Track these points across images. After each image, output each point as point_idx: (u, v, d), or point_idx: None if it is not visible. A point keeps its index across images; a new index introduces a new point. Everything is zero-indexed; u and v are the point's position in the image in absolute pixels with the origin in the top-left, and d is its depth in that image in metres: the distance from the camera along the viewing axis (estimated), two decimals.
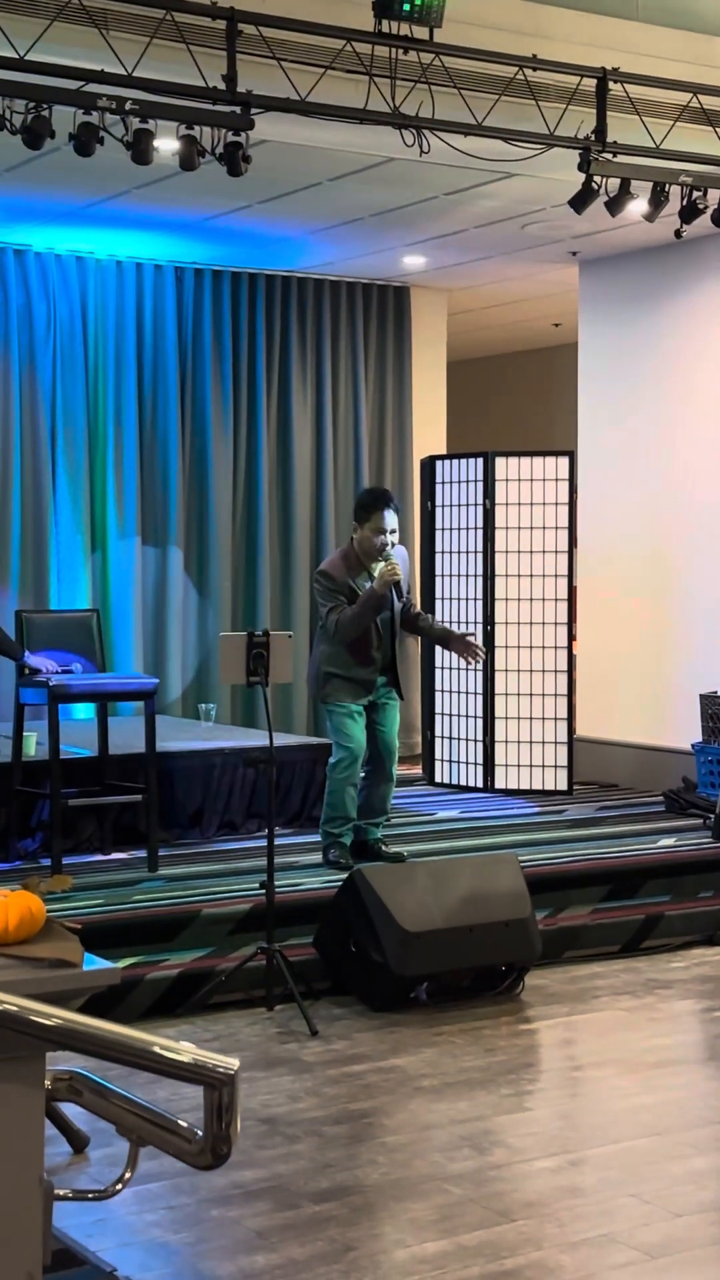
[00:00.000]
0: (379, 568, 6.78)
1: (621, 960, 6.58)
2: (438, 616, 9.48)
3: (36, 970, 2.75)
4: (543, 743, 9.18)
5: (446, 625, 7.00)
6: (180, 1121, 2.47)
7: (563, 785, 9.14)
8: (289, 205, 8.37)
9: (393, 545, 6.86)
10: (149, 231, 9.08)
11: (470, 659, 7.06)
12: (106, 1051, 2.34)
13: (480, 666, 6.87)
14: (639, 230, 8.42)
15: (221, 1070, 2.34)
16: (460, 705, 9.39)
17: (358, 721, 6.87)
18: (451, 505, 9.40)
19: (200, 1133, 2.40)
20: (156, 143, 6.04)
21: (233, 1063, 2.36)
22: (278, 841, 6.62)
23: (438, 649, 9.46)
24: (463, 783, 9.37)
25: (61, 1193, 2.65)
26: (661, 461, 9.45)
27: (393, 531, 6.85)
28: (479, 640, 6.90)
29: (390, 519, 6.86)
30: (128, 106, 5.87)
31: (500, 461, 9.21)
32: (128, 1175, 2.60)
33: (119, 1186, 2.61)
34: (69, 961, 2.76)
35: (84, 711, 8.83)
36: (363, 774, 7.01)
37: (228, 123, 6.09)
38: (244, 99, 6.07)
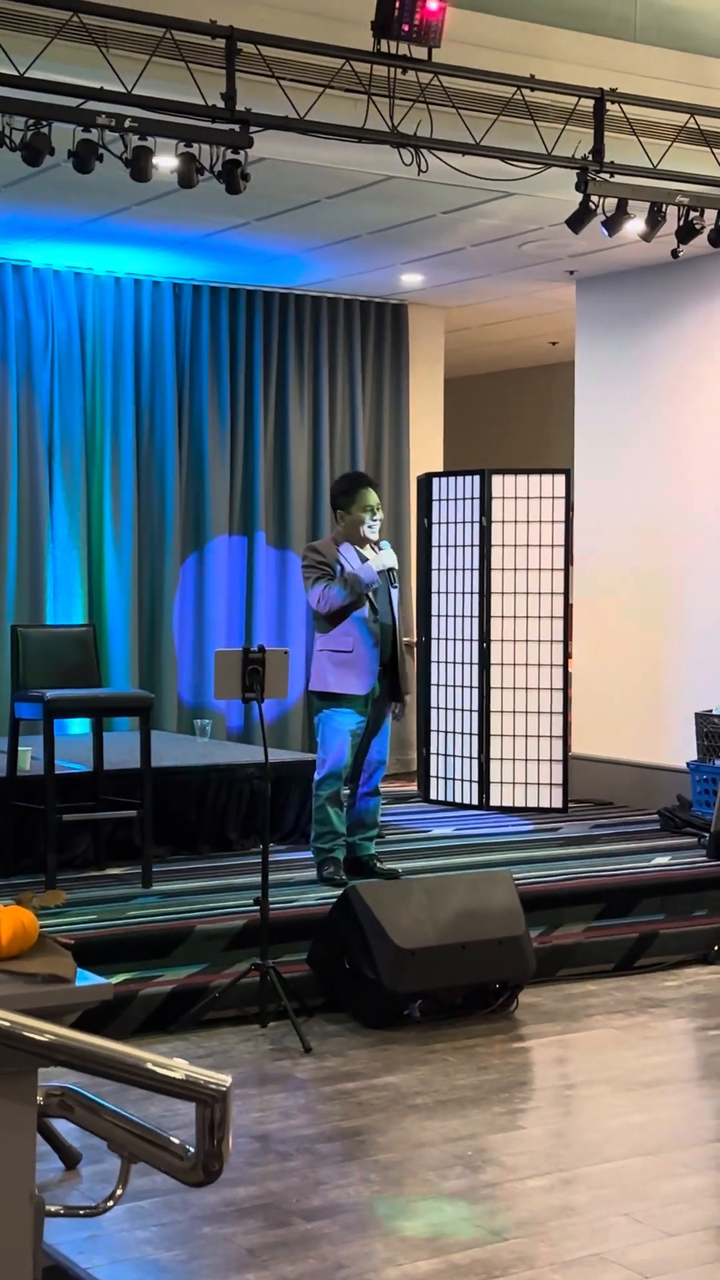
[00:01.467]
0: (379, 557, 6.83)
1: (615, 979, 6.58)
2: (432, 633, 9.49)
3: (29, 985, 2.74)
4: (538, 760, 9.19)
5: (405, 674, 7.01)
6: (172, 1138, 2.47)
7: (558, 803, 9.14)
8: (287, 223, 8.39)
9: (379, 526, 6.89)
10: (147, 248, 9.10)
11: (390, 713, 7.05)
12: (98, 1067, 2.33)
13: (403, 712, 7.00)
14: (636, 250, 8.45)
15: (214, 1086, 2.34)
16: (455, 722, 9.39)
17: (347, 739, 6.87)
18: (448, 522, 9.41)
19: (192, 1149, 2.39)
20: (155, 160, 6.06)
21: (225, 1079, 2.36)
22: (272, 858, 6.61)
23: (434, 667, 9.47)
24: (458, 800, 9.37)
25: (53, 1209, 2.64)
26: (658, 480, 9.47)
27: (379, 507, 6.91)
28: (403, 708, 7.04)
29: (374, 496, 6.92)
30: (127, 124, 5.89)
31: (497, 479, 9.23)
32: (119, 1192, 2.59)
33: (110, 1203, 2.60)
34: (61, 977, 2.76)
35: (79, 726, 8.82)
36: (347, 791, 7.01)
37: (227, 140, 6.12)
38: (243, 117, 6.09)
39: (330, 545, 6.97)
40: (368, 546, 6.93)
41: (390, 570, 6.89)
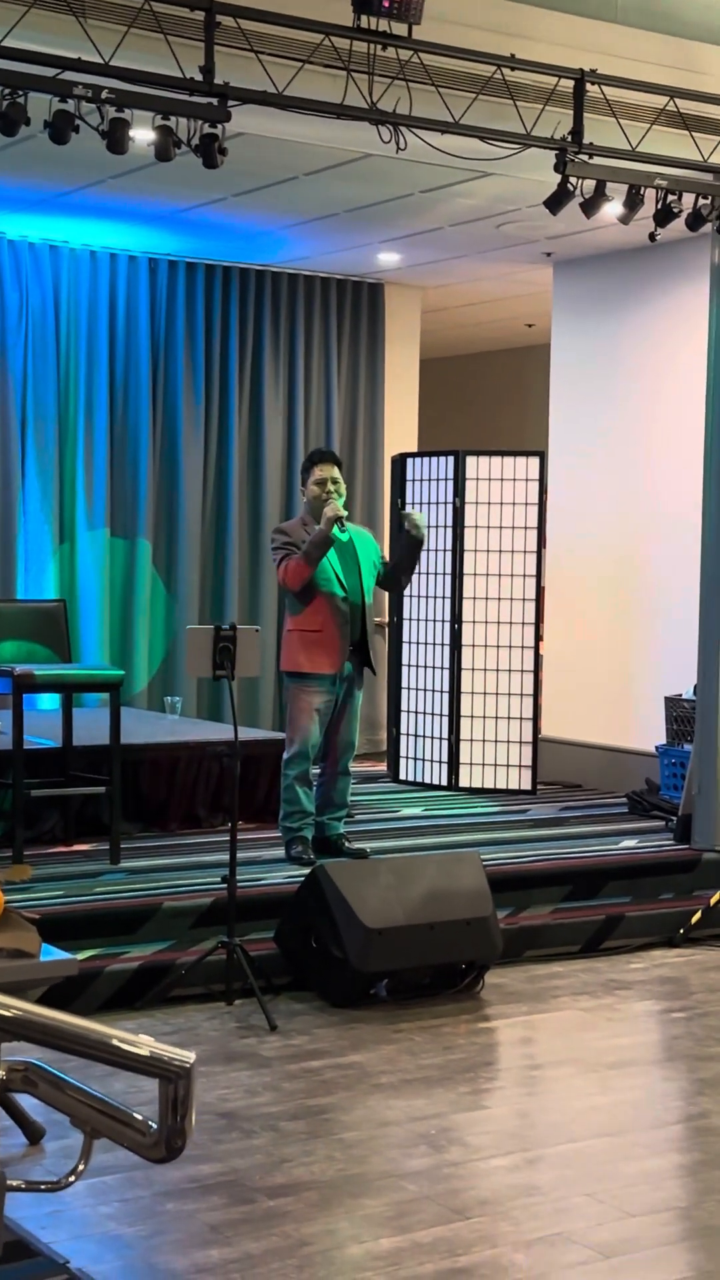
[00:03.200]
0: (324, 510, 6.79)
1: (581, 960, 6.60)
2: (404, 614, 9.49)
3: None
4: (507, 742, 9.20)
5: (376, 653, 6.97)
6: (135, 1114, 2.46)
7: (526, 785, 9.16)
8: (264, 199, 8.35)
9: (337, 495, 6.89)
10: (123, 222, 9.05)
11: (410, 527, 7.00)
12: (62, 1042, 2.32)
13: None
14: (613, 232, 8.43)
15: (177, 1063, 2.33)
16: (426, 703, 9.40)
17: (319, 719, 6.87)
18: (422, 503, 9.40)
19: (155, 1125, 2.39)
20: (132, 132, 6.01)
21: (189, 1055, 2.35)
22: (241, 836, 6.61)
23: (405, 647, 9.47)
24: (427, 780, 9.38)
25: (14, 1183, 2.64)
26: (632, 464, 9.47)
27: (334, 481, 6.92)
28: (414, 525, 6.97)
29: (328, 469, 6.95)
30: (104, 95, 5.84)
31: (471, 460, 9.22)
32: (81, 1167, 2.58)
33: (72, 1178, 2.59)
34: (26, 952, 2.75)
35: (49, 702, 8.80)
36: (317, 770, 7.01)
37: (204, 114, 6.07)
38: (221, 91, 6.04)
39: (297, 526, 6.98)
40: (335, 525, 6.91)
41: (340, 519, 6.80)
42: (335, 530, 6.77)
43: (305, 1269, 3.63)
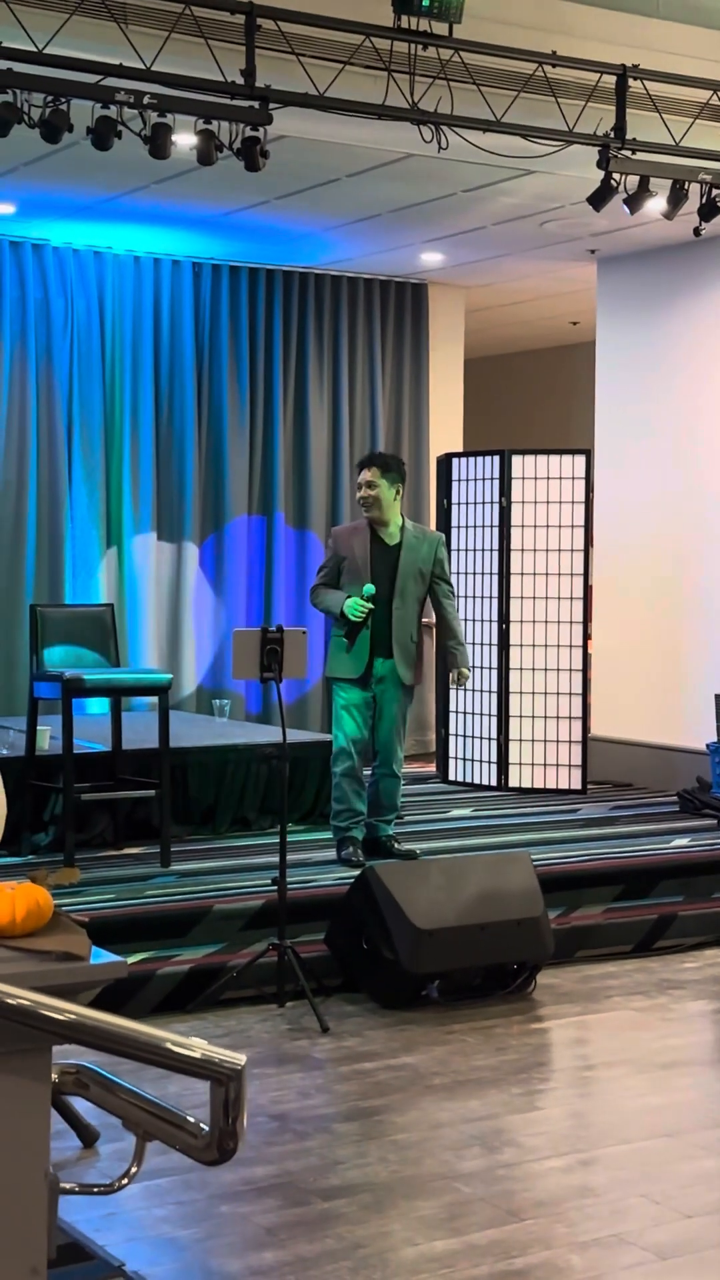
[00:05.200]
0: (349, 602, 6.81)
1: (634, 960, 6.56)
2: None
3: (43, 963, 2.74)
4: (557, 741, 9.16)
5: (458, 638, 6.98)
6: (188, 1116, 2.46)
7: (577, 784, 9.12)
8: (307, 201, 8.35)
9: (367, 502, 6.90)
10: (167, 227, 9.07)
11: (453, 683, 7.20)
12: (113, 1045, 2.33)
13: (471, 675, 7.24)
14: (657, 228, 8.39)
15: (228, 1065, 2.33)
16: (474, 703, 9.37)
17: (354, 715, 6.90)
18: (467, 503, 9.38)
19: (207, 1128, 2.39)
20: (174, 137, 6.04)
21: (240, 1058, 2.35)
22: (290, 838, 6.61)
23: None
24: (476, 781, 9.36)
25: (67, 1186, 2.64)
26: (678, 460, 9.42)
27: (366, 484, 6.91)
28: (464, 674, 7.09)
29: (364, 473, 6.96)
30: (146, 101, 5.86)
31: (516, 459, 9.19)
32: (134, 1170, 2.58)
33: (125, 1181, 2.60)
34: (76, 955, 2.75)
35: (98, 706, 8.82)
36: (368, 771, 7.02)
37: (246, 118, 6.08)
38: (262, 94, 6.05)
39: (344, 533, 7.05)
40: (384, 529, 6.92)
41: (359, 620, 6.82)
42: (382, 534, 6.83)
43: (360, 1271, 3.63)
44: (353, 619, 6.78)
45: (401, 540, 6.94)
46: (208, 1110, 2.40)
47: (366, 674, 6.89)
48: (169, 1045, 2.33)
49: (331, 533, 7.23)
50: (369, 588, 6.82)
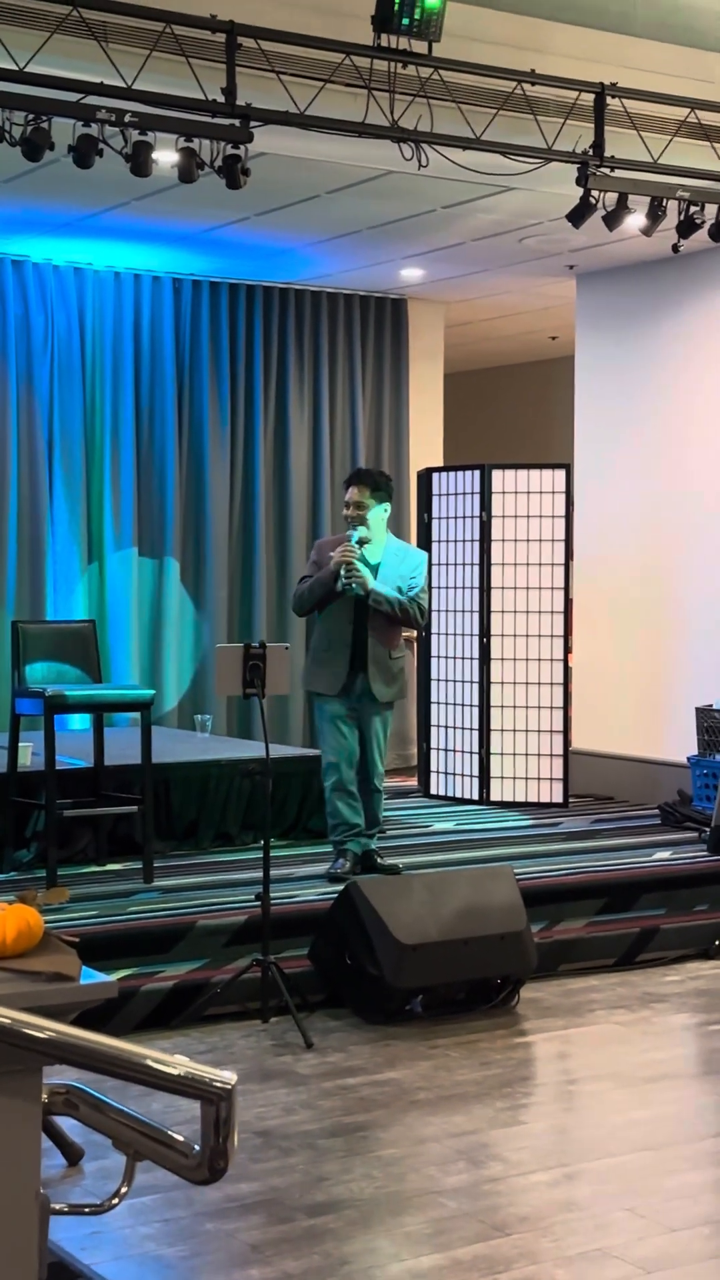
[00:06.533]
0: (343, 549, 6.82)
1: (617, 974, 6.58)
2: (433, 628, 9.47)
3: (34, 984, 2.74)
4: (538, 755, 9.18)
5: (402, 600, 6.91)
6: (177, 1136, 2.46)
7: (558, 798, 9.14)
8: (287, 217, 8.38)
9: (354, 521, 6.89)
10: (147, 243, 9.09)
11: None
12: (106, 1066, 2.33)
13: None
14: (636, 244, 8.44)
15: (219, 1085, 2.33)
16: (456, 717, 9.39)
17: (338, 726, 6.91)
18: (448, 517, 9.41)
19: (197, 1147, 2.39)
20: (155, 155, 6.05)
21: (230, 1077, 2.35)
22: (273, 853, 6.61)
23: (434, 662, 9.46)
24: (458, 795, 9.37)
25: (58, 1207, 2.64)
26: (658, 475, 9.46)
27: (354, 504, 6.91)
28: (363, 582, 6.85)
29: (351, 491, 6.96)
30: (127, 119, 5.88)
31: (497, 474, 9.22)
32: (124, 1189, 2.58)
33: (115, 1201, 2.60)
34: (66, 975, 2.76)
35: (80, 722, 8.82)
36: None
37: (227, 135, 6.11)
38: (243, 112, 6.08)
39: (329, 544, 7.04)
40: (367, 545, 6.92)
41: (347, 563, 6.76)
42: (362, 556, 6.79)
43: None
44: (352, 542, 6.72)
45: (382, 560, 6.95)
46: (194, 1128, 2.41)
47: (345, 689, 6.91)
48: (159, 1065, 2.33)
49: (315, 544, 7.25)
50: (359, 532, 6.81)
